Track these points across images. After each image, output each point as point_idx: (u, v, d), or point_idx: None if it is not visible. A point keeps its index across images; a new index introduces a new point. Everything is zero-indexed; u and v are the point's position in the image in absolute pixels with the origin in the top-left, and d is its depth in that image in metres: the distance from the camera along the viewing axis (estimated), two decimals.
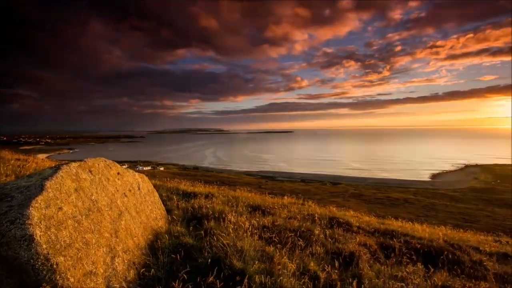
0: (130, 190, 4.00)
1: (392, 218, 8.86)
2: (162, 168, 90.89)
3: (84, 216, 2.59)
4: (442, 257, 4.91)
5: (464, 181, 71.46)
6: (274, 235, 4.41)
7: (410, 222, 8.52)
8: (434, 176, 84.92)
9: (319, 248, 4.28)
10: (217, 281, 2.68)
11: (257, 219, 5.05)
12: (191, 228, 4.27)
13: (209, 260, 3.04)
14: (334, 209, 8.18)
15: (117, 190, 3.59)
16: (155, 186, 6.73)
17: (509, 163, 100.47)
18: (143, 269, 2.94)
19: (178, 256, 3.13)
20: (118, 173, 3.95)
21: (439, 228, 8.31)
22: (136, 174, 4.58)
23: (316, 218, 6.01)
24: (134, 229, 3.41)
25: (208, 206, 5.61)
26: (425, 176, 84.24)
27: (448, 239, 6.28)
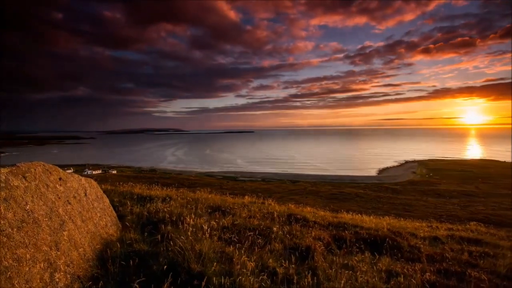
0: (75, 197, 3.64)
1: (345, 212, 9.56)
2: (114, 172, 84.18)
3: (15, 229, 2.28)
4: (385, 244, 5.46)
5: (404, 175, 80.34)
6: (234, 235, 4.42)
7: (360, 215, 9.28)
8: (380, 171, 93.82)
9: (277, 245, 4.42)
10: (174, 287, 2.60)
11: (217, 220, 5.01)
12: (146, 234, 4.06)
13: (165, 265, 2.92)
14: (293, 206, 8.52)
15: (59, 198, 3.24)
16: (105, 191, 6.23)
17: (441, 158, 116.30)
18: (90, 282, 2.70)
19: (131, 265, 2.95)
20: (60, 179, 3.56)
21: (383, 218, 9.22)
22: (83, 178, 4.19)
23: (276, 215, 6.19)
24: (80, 240, 3.11)
25: (165, 209, 5.39)
26: (373, 172, 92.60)
27: (391, 227, 7.00)
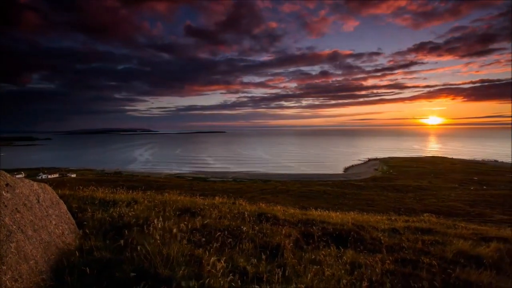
0: (25, 204, 3.30)
1: (313, 209, 9.91)
2: (74, 175, 78.02)
3: None
4: (350, 237, 5.78)
5: (367, 172, 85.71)
6: (203, 236, 4.36)
7: (327, 211, 9.69)
8: (346, 169, 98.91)
9: (248, 244, 4.44)
10: None
11: (186, 222, 4.88)
12: (108, 240, 3.82)
13: (130, 272, 2.78)
14: (263, 205, 8.61)
15: (5, 206, 2.92)
16: (62, 196, 5.75)
17: (400, 156, 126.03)
18: None
19: (91, 274, 2.77)
20: (7, 184, 3.21)
21: (349, 213, 9.73)
22: (35, 184, 3.82)
23: (246, 215, 6.20)
24: (31, 251, 2.84)
25: (130, 214, 5.13)
26: (340, 170, 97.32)
27: (355, 222, 7.42)
